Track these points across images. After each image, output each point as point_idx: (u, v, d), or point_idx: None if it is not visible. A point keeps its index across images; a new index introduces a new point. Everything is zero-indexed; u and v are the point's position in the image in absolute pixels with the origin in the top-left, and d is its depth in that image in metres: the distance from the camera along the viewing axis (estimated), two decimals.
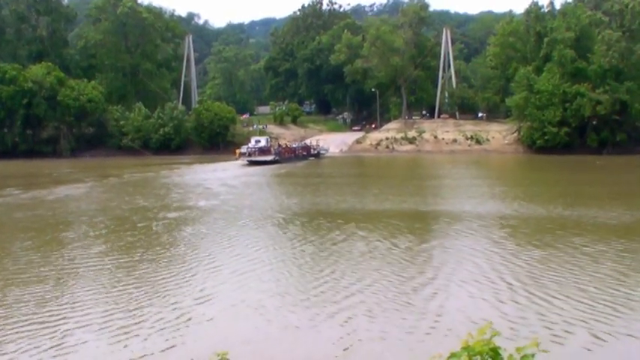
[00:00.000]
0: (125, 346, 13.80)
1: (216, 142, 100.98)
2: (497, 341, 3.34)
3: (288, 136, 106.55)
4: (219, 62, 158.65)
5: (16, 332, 14.73)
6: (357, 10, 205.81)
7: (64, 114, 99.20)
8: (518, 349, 3.34)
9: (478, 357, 3.38)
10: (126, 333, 14.54)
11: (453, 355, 3.43)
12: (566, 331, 14.09)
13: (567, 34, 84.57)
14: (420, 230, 28.09)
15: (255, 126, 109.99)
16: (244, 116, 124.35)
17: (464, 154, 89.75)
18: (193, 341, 13.87)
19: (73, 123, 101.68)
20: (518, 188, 44.85)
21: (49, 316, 15.89)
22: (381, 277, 19.06)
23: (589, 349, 13.26)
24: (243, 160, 77.63)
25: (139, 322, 15.24)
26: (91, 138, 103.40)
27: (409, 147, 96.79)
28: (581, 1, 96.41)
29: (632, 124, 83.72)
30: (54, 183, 54.47)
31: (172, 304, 16.70)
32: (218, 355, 4.37)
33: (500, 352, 3.38)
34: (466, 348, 3.40)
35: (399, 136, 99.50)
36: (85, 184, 53.90)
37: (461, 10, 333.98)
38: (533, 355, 3.30)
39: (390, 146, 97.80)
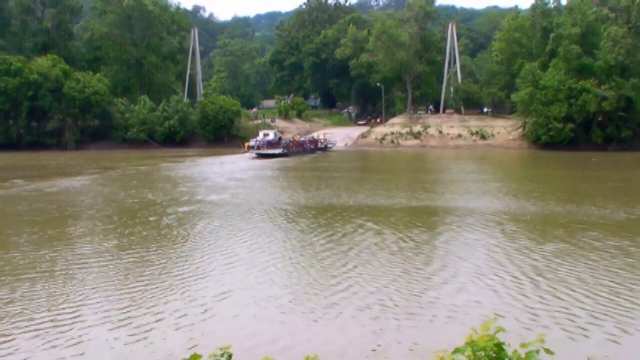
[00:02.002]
0: (150, 343, 13.57)
1: (220, 135, 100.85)
2: (504, 337, 3.37)
3: (293, 129, 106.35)
4: (225, 55, 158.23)
5: (32, 330, 14.41)
6: (363, 5, 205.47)
7: (69, 106, 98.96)
8: (522, 345, 3.37)
9: (482, 352, 3.40)
10: (145, 330, 14.26)
11: (457, 350, 3.46)
12: (580, 327, 14.19)
13: (573, 29, 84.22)
14: (428, 224, 28.17)
15: (263, 119, 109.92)
16: (253, 110, 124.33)
17: (468, 149, 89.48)
18: (216, 338, 13.38)
19: (78, 115, 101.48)
20: (520, 184, 44.80)
21: (64, 312, 15.63)
22: (392, 270, 19.35)
23: (602, 345, 13.28)
24: (252, 153, 77.97)
25: (158, 319, 15.02)
26: (96, 130, 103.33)
27: (414, 142, 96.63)
28: None
29: (637, 121, 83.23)
30: (58, 175, 54.42)
31: (190, 299, 16.60)
32: (221, 350, 4.37)
33: (505, 347, 3.41)
34: (470, 343, 3.43)
35: (403, 130, 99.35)
36: (89, 176, 53.90)
37: (467, 5, 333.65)
38: (537, 351, 3.33)
39: (395, 141, 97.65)
